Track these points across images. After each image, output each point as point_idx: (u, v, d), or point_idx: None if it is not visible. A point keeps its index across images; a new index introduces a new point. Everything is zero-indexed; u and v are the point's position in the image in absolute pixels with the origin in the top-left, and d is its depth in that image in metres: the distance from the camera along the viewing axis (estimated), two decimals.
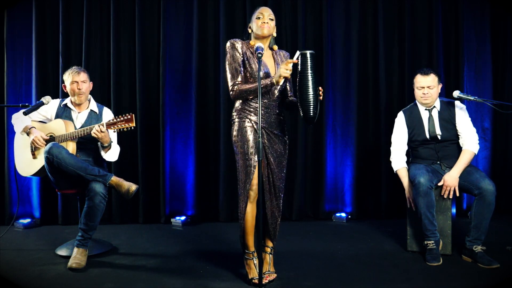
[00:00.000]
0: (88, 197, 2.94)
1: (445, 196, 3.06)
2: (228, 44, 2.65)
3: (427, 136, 3.18)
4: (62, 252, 3.18)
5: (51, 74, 4.16)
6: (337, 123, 4.28)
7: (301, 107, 2.56)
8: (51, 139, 3.14)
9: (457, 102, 3.19)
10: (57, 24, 4.12)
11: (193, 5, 4.14)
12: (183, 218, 4.11)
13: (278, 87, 2.68)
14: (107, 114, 3.38)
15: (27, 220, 4.02)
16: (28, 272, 2.87)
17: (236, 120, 2.65)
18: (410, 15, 4.23)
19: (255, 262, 2.67)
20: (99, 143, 3.18)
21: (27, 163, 3.23)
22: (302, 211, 4.26)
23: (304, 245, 3.44)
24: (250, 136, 2.60)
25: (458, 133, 3.16)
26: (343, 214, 4.19)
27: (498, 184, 3.04)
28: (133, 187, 2.98)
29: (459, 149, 3.16)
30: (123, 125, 2.98)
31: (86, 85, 3.26)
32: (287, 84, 2.80)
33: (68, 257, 3.01)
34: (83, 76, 3.24)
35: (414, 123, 3.23)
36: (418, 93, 3.18)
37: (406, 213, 3.26)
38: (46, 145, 3.03)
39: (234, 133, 2.64)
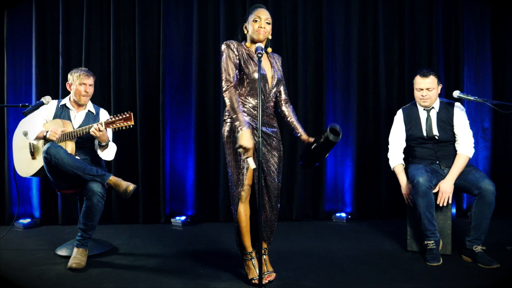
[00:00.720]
0: (86, 197, 2.94)
1: (441, 205, 3.06)
2: (223, 45, 2.62)
3: (424, 134, 3.18)
4: (62, 252, 3.18)
5: (51, 74, 4.16)
6: (337, 123, 4.27)
7: (305, 162, 2.66)
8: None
9: (457, 104, 3.19)
10: (57, 24, 4.12)
11: (193, 5, 4.14)
12: (183, 218, 4.11)
13: (274, 89, 2.68)
14: (104, 115, 3.41)
15: (27, 220, 4.02)
16: (28, 272, 2.87)
17: (228, 120, 2.62)
18: (410, 15, 4.23)
19: (253, 262, 2.67)
20: (96, 142, 3.19)
21: (26, 163, 3.23)
22: (302, 211, 4.26)
23: (304, 245, 3.44)
24: None
25: (455, 135, 3.16)
26: (343, 214, 4.19)
27: (498, 184, 3.04)
28: (130, 186, 2.98)
29: None
30: (121, 123, 2.99)
31: (92, 89, 3.32)
32: (282, 87, 2.78)
33: (68, 257, 3.02)
34: (92, 80, 3.31)
35: (411, 121, 3.23)
36: (417, 94, 3.18)
37: (406, 213, 3.27)
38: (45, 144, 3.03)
39: (226, 133, 2.63)
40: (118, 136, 3.65)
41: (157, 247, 3.40)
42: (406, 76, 4.19)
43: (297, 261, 3.05)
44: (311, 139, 2.67)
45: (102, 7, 4.17)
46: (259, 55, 2.39)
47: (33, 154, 3.20)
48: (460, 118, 3.14)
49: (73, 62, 4.07)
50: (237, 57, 2.58)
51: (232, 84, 2.53)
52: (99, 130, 3.01)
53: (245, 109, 2.59)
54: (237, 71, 2.57)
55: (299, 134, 2.78)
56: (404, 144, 3.29)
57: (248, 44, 2.67)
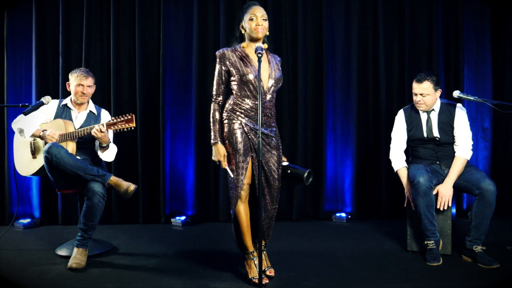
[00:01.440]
0: (86, 197, 2.94)
1: (441, 209, 3.06)
2: (216, 56, 2.67)
3: (425, 135, 3.18)
4: (62, 252, 3.18)
5: (51, 74, 4.15)
6: (337, 123, 4.28)
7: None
8: None
9: (458, 105, 3.19)
10: (57, 24, 4.11)
11: (193, 5, 4.14)
12: (183, 218, 4.11)
13: (272, 89, 2.67)
14: (105, 115, 3.41)
15: (27, 220, 4.02)
16: (28, 272, 2.87)
17: (226, 121, 2.65)
18: (410, 15, 4.23)
19: (255, 262, 2.68)
20: (97, 143, 3.19)
21: (27, 162, 3.23)
22: (302, 211, 4.26)
23: (304, 245, 3.44)
24: (240, 137, 2.61)
25: (454, 136, 3.16)
26: (343, 214, 4.19)
27: (498, 184, 3.04)
28: (131, 187, 2.98)
29: None
30: (123, 125, 2.98)
31: (91, 90, 3.32)
32: (277, 88, 2.77)
33: (68, 257, 3.02)
34: (90, 81, 3.29)
35: (412, 122, 3.23)
36: (413, 98, 3.18)
37: (406, 213, 3.26)
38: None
39: (224, 134, 2.65)
40: (118, 136, 3.65)
41: (157, 247, 3.40)
42: (406, 76, 4.19)
43: (297, 261, 3.05)
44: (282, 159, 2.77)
45: (102, 7, 4.16)
46: (259, 55, 2.40)
47: (33, 153, 3.20)
48: (461, 119, 3.14)
49: (73, 62, 4.07)
50: (227, 69, 2.63)
51: (217, 100, 2.67)
52: (101, 131, 3.00)
53: (242, 111, 2.62)
54: (224, 86, 2.68)
55: (279, 139, 2.80)
56: (405, 145, 3.29)
57: (245, 44, 2.67)
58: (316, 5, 4.24)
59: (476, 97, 3.04)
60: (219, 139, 2.62)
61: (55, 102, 3.31)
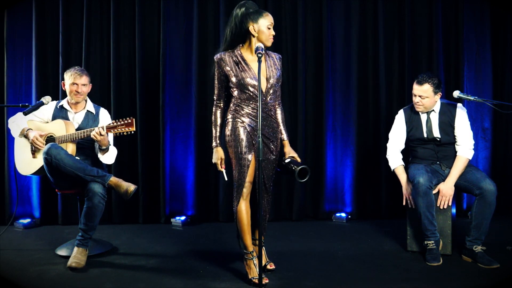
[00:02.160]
0: (87, 198, 2.94)
1: (441, 207, 3.06)
2: (215, 60, 2.70)
3: (425, 135, 3.18)
4: (62, 252, 3.18)
5: (51, 74, 4.15)
6: (337, 123, 4.28)
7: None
8: (51, 139, 3.14)
9: (459, 105, 3.19)
10: (57, 24, 4.11)
11: (193, 5, 4.14)
12: (183, 218, 4.11)
13: (271, 91, 2.70)
14: (104, 115, 3.38)
15: (27, 220, 4.02)
16: (28, 272, 2.87)
17: (230, 121, 2.70)
18: (410, 15, 4.23)
19: (255, 262, 2.68)
20: (96, 145, 3.18)
21: (27, 162, 3.23)
22: (302, 211, 4.26)
23: (304, 245, 3.44)
24: (243, 136, 2.65)
25: (455, 136, 3.16)
26: (343, 214, 4.19)
27: (498, 184, 3.04)
28: (131, 187, 2.98)
29: None
30: (123, 129, 2.97)
31: (86, 88, 3.28)
32: (277, 89, 2.78)
33: (68, 257, 3.01)
34: (85, 79, 3.25)
35: (412, 123, 3.23)
36: (413, 98, 3.18)
37: (406, 213, 3.27)
38: (45, 145, 3.04)
39: (228, 133, 2.70)
40: (118, 137, 3.64)
41: (157, 247, 3.40)
42: (406, 76, 4.19)
43: (297, 261, 3.05)
44: (289, 155, 2.81)
45: (102, 7, 4.16)
46: (259, 55, 2.44)
47: (34, 153, 3.20)
48: (461, 119, 3.14)
49: (73, 62, 4.06)
50: (225, 73, 2.67)
51: (219, 104, 2.75)
52: (100, 134, 3.00)
53: (244, 113, 2.67)
54: (224, 90, 2.73)
55: (282, 140, 2.85)
56: (403, 146, 3.29)
57: (245, 47, 2.67)
58: (316, 5, 4.24)
59: (476, 97, 3.04)
60: (219, 143, 2.73)
61: (53, 103, 3.29)
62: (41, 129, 3.20)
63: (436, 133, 3.16)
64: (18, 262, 3.05)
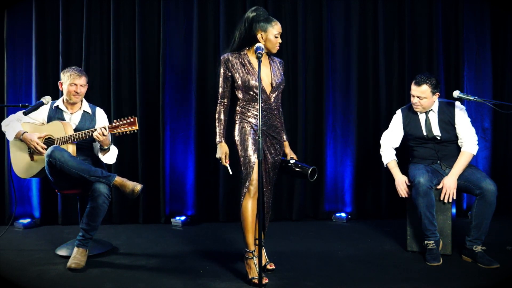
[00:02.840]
0: (91, 198, 2.92)
1: (445, 201, 3.06)
2: (221, 60, 2.78)
3: (424, 134, 3.18)
4: (62, 252, 3.18)
5: (51, 74, 4.15)
6: (337, 123, 4.28)
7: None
8: (50, 141, 3.11)
9: (457, 103, 3.19)
10: (57, 24, 4.11)
11: (193, 5, 4.14)
12: (183, 218, 4.11)
13: (275, 94, 2.78)
14: (101, 114, 3.37)
15: (27, 220, 4.02)
16: (28, 272, 2.87)
17: (237, 121, 2.77)
18: (410, 15, 4.23)
19: (255, 261, 2.68)
20: (97, 146, 3.17)
21: (26, 165, 3.19)
22: (302, 211, 4.26)
23: (304, 245, 3.44)
24: (250, 136, 2.72)
25: (457, 134, 3.16)
26: (343, 214, 4.19)
27: (498, 184, 3.04)
28: (137, 187, 2.96)
29: (458, 149, 3.16)
30: (126, 128, 2.95)
31: (84, 89, 3.26)
32: (281, 90, 2.85)
33: (68, 257, 3.01)
34: (84, 80, 3.24)
35: (411, 122, 3.23)
36: (411, 99, 3.18)
37: (406, 213, 3.27)
38: (46, 149, 3.01)
39: (236, 132, 2.76)
40: (118, 136, 3.64)
41: (157, 247, 3.40)
42: (406, 76, 4.19)
43: (297, 261, 3.05)
44: (291, 156, 2.91)
45: (102, 7, 4.16)
46: (259, 55, 2.50)
47: (32, 156, 3.17)
48: (461, 117, 3.14)
49: (73, 62, 4.06)
50: (231, 74, 2.74)
51: (222, 102, 2.79)
52: (103, 135, 2.99)
53: (250, 114, 2.75)
54: (229, 89, 2.78)
55: (283, 141, 2.91)
56: (397, 144, 3.29)
57: (251, 50, 2.75)
58: (316, 5, 4.24)
59: (476, 97, 3.04)
60: (222, 138, 2.75)
61: (47, 104, 3.23)
62: (37, 131, 3.15)
63: (436, 132, 3.16)
64: (18, 262, 3.05)
